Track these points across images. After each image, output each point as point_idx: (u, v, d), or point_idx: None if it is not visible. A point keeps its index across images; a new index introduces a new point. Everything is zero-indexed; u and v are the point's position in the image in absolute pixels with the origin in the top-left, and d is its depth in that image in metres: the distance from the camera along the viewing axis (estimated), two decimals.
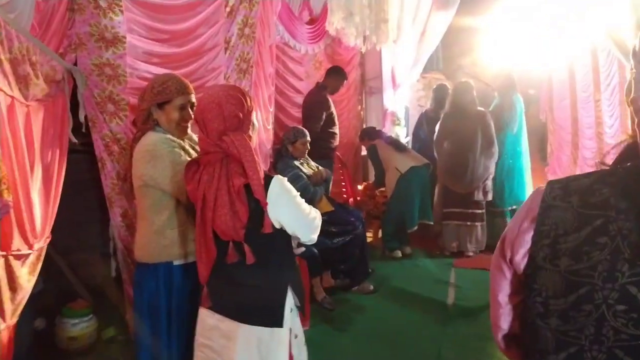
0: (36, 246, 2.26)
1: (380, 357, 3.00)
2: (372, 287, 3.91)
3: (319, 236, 1.88)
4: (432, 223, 4.65)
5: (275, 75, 4.21)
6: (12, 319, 2.09)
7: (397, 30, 3.96)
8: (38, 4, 2.26)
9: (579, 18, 6.26)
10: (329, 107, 4.59)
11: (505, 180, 4.80)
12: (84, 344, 2.94)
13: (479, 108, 4.58)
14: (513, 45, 6.99)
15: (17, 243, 2.12)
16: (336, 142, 4.66)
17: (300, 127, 3.83)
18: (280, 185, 1.77)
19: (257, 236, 1.71)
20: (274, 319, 1.78)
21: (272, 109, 4.09)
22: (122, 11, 2.68)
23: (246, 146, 1.71)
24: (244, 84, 3.62)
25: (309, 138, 3.75)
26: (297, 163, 3.74)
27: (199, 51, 3.27)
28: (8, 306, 2.05)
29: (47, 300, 2.96)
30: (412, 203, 4.49)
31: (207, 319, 1.82)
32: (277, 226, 1.75)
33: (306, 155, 3.82)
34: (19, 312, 2.13)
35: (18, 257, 2.14)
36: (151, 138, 2.06)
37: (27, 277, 2.19)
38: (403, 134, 5.58)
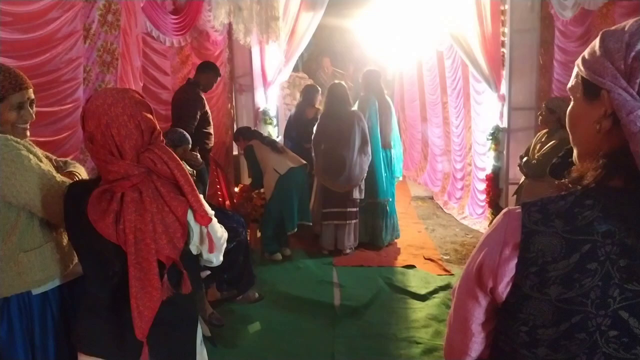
0: None
1: None
2: (257, 295, 3.76)
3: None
4: (311, 224, 4.65)
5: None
6: None
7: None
8: None
9: (426, 24, 6.88)
10: (203, 106, 4.28)
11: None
12: None
13: (354, 109, 4.68)
14: (371, 46, 7.39)
15: None
16: (211, 142, 4.38)
17: (184, 131, 3.48)
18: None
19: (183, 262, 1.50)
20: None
21: None
22: None
23: (175, 159, 1.47)
24: (108, 79, 3.17)
25: (190, 145, 3.43)
26: None
27: (52, 39, 2.75)
28: None
29: None
30: (292, 205, 4.44)
31: None
32: (196, 252, 1.56)
33: None
34: None
35: None
36: None
37: None
38: (275, 134, 5.49)
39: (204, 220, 1.49)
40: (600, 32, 0.92)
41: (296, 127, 5.22)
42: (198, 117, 4.22)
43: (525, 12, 4.52)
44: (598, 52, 0.89)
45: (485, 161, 5.57)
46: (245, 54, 5.28)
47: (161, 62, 4.64)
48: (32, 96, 1.74)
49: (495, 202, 4.85)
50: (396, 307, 3.67)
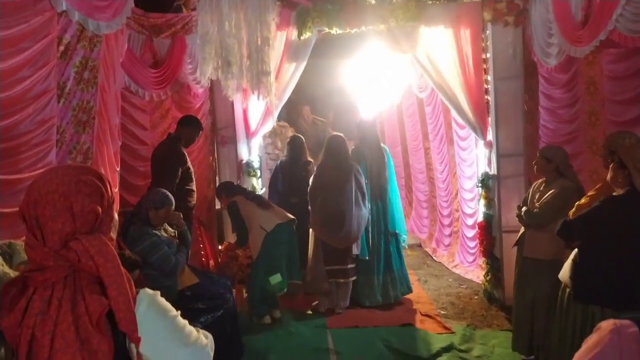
0: None
1: None
2: None
3: (183, 316, 1.41)
4: (300, 282, 4.39)
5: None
6: None
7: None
8: None
9: (405, 72, 6.93)
10: (185, 162, 4.08)
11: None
12: None
13: (352, 162, 4.56)
14: (350, 93, 7.37)
15: None
16: (194, 200, 4.16)
17: (166, 191, 3.25)
18: (149, 304, 1.25)
19: None
20: None
21: (118, 169, 3.44)
22: None
23: (108, 254, 1.19)
24: (84, 140, 2.96)
25: (173, 205, 3.20)
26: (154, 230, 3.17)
27: (23, 98, 2.55)
28: None
29: None
30: (281, 264, 4.18)
31: None
32: None
33: None
34: None
35: None
36: None
37: None
38: (259, 186, 5.29)
39: (132, 336, 1.16)
40: None
41: (284, 180, 5.03)
42: (179, 174, 4.01)
43: (507, 60, 4.54)
44: None
45: (473, 207, 5.47)
46: (227, 105, 5.14)
47: (140, 116, 4.48)
48: None
49: (489, 251, 4.70)
50: None
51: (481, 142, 4.74)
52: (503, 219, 4.56)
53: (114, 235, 1.31)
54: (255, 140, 5.23)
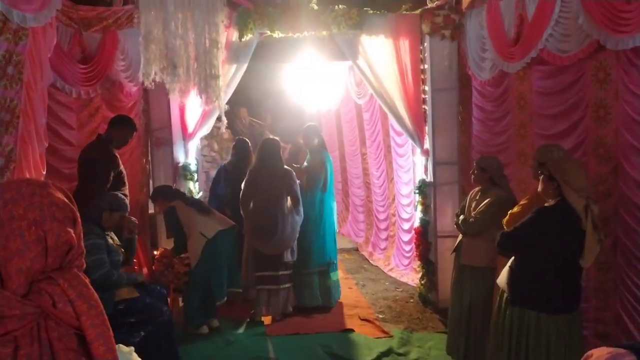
0: None
1: None
2: None
3: (116, 336, 1.31)
4: (240, 290, 4.29)
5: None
6: None
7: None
8: None
9: (343, 79, 7.02)
10: (117, 165, 3.85)
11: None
12: None
13: (285, 166, 4.50)
14: (288, 96, 7.34)
15: None
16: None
17: (122, 195, 3.12)
18: None
19: None
20: None
21: (44, 172, 3.18)
22: None
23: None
24: (7, 140, 2.70)
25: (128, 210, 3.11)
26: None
27: None
28: None
29: None
30: (221, 271, 4.05)
31: None
32: None
33: None
34: None
35: None
36: None
37: None
38: (196, 190, 5.10)
39: None
40: None
41: (227, 185, 4.87)
42: (111, 178, 3.78)
43: (444, 72, 4.71)
44: None
45: (410, 212, 5.64)
46: (162, 106, 4.92)
47: (66, 115, 4.17)
48: None
49: (425, 255, 4.85)
50: None
51: (418, 150, 4.89)
52: (438, 225, 4.73)
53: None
54: (192, 142, 5.06)
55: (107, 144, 3.84)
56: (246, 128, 8.25)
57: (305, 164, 4.89)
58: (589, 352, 0.90)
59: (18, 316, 0.92)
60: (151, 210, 5.16)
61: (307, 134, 4.89)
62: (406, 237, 5.75)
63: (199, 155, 6.76)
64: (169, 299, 3.83)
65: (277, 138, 4.74)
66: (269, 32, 4.66)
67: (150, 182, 5.10)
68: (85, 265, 1.08)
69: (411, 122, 4.78)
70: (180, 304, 4.29)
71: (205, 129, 5.07)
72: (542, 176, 2.63)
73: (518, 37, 3.66)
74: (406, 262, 5.76)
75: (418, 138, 4.82)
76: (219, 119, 5.29)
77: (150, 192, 4.68)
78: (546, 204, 2.56)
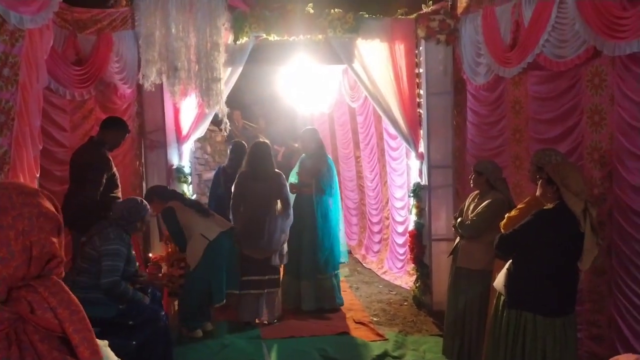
0: None
1: None
2: None
3: (114, 339, 1.31)
4: (238, 292, 4.24)
5: None
6: None
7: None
8: None
9: (337, 82, 7.03)
10: (110, 168, 3.81)
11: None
12: None
13: (276, 170, 4.49)
14: (282, 99, 7.33)
15: None
16: None
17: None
18: None
19: None
20: None
21: (38, 175, 3.14)
22: None
23: (71, 304, 0.97)
24: (1, 143, 2.66)
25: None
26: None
27: None
28: None
29: None
30: (221, 274, 4.00)
31: None
32: None
33: None
34: None
35: None
36: None
37: None
38: (189, 193, 5.07)
39: None
40: None
41: (226, 187, 4.82)
42: (104, 181, 3.74)
43: (439, 76, 4.74)
44: None
45: (404, 215, 5.65)
46: (157, 108, 4.88)
47: (59, 117, 4.12)
48: None
49: (419, 258, 4.87)
50: None
51: (413, 153, 4.91)
52: (433, 228, 4.75)
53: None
54: (186, 145, 5.02)
55: (100, 146, 3.79)
56: (240, 131, 8.21)
57: (296, 168, 4.89)
58: (614, 358, 0.90)
59: None
60: None
61: (305, 137, 4.88)
62: (400, 240, 5.77)
63: (192, 158, 6.74)
64: (163, 303, 3.79)
65: (267, 141, 4.73)
66: (264, 35, 4.66)
67: (144, 184, 5.04)
68: (63, 274, 1.07)
69: (406, 126, 4.80)
70: (175, 308, 4.25)
71: (200, 132, 5.05)
72: (540, 180, 2.65)
73: (514, 42, 3.70)
74: (400, 264, 5.78)
75: (413, 142, 4.83)
76: (212, 122, 5.30)
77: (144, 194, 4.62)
78: (545, 207, 2.58)
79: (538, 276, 2.53)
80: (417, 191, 4.89)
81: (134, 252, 3.31)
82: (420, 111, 4.84)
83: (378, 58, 4.75)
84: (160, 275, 4.16)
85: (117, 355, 2.02)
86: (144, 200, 3.46)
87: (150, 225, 5.02)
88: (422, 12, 4.73)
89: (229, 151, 5.21)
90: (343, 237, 5.28)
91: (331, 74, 6.70)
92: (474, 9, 4.26)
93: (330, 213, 4.80)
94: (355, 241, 7.28)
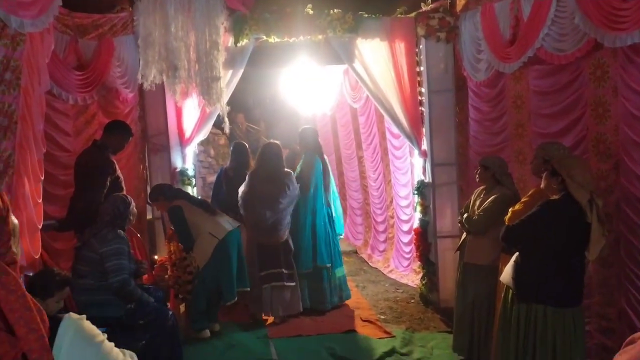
0: None
1: None
2: None
3: (123, 338, 1.34)
4: (248, 289, 4.23)
5: None
6: None
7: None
8: None
9: (339, 83, 7.03)
10: (114, 170, 3.83)
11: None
12: None
13: (286, 169, 4.53)
14: (284, 102, 7.34)
15: None
16: None
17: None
18: (76, 332, 1.16)
19: None
20: None
21: (42, 178, 3.15)
22: None
23: (9, 284, 1.04)
24: (5, 146, 2.67)
25: None
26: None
27: None
28: None
29: None
30: (231, 272, 4.00)
31: None
32: None
33: None
34: None
35: None
36: None
37: None
38: (195, 195, 5.07)
39: None
40: None
41: (228, 189, 4.83)
42: (108, 183, 3.75)
43: (440, 74, 4.74)
44: None
45: (409, 214, 5.64)
46: (159, 112, 4.90)
47: (62, 121, 4.15)
48: None
49: (425, 256, 4.85)
50: None
51: (416, 152, 4.90)
52: (438, 225, 4.74)
53: (15, 247, 1.14)
54: (189, 147, 5.03)
55: (104, 150, 3.82)
56: (243, 133, 8.23)
57: (298, 168, 4.90)
58: (636, 335, 0.89)
59: None
60: (149, 216, 5.13)
61: (303, 136, 4.91)
62: (405, 239, 5.76)
63: (196, 161, 6.75)
64: (168, 304, 3.80)
65: (278, 142, 4.75)
66: (264, 37, 4.67)
67: (148, 188, 5.06)
68: (14, 262, 1.10)
69: (408, 124, 4.80)
70: (181, 310, 4.25)
71: (203, 134, 5.06)
72: (545, 172, 2.64)
73: (514, 37, 3.70)
74: (406, 263, 5.76)
75: (416, 140, 4.83)
76: (215, 125, 5.31)
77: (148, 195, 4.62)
78: (551, 198, 2.57)
79: (546, 268, 2.52)
80: (422, 189, 4.88)
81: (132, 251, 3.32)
82: (422, 109, 4.84)
83: (378, 57, 4.75)
84: (167, 277, 4.16)
85: None
86: (125, 194, 3.54)
87: (155, 228, 5.07)
88: (421, 10, 4.73)
89: (230, 152, 5.21)
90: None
91: (332, 75, 6.70)
92: (473, 5, 4.26)
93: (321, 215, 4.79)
94: (361, 241, 7.28)
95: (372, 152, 6.66)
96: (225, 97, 4.82)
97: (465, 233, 3.48)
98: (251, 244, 4.47)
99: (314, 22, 4.63)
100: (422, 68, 4.80)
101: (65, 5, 3.63)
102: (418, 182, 4.94)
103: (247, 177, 4.49)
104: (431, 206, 4.78)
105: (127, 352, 1.38)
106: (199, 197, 4.73)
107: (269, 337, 4.10)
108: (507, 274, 2.71)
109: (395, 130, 5.15)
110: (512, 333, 2.62)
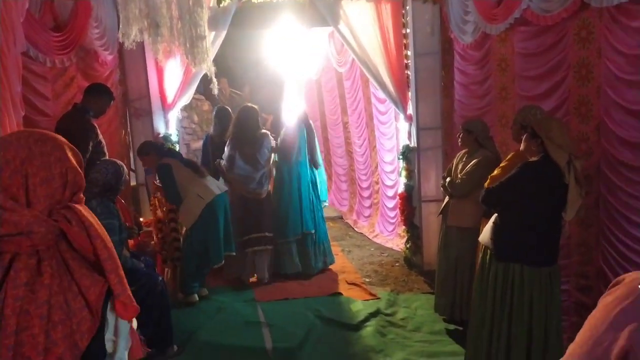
0: None
1: None
2: (175, 348, 3.33)
3: None
4: (234, 254, 4.26)
5: None
6: None
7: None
8: None
9: (324, 46, 6.92)
10: (96, 135, 3.75)
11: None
12: None
13: (263, 130, 4.56)
14: (268, 67, 7.22)
15: None
16: None
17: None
18: None
19: None
20: None
21: None
22: None
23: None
24: None
25: None
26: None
27: None
28: None
29: None
30: (218, 235, 4.02)
31: None
32: (111, 349, 1.21)
33: None
34: None
35: None
36: None
37: None
38: None
39: (128, 312, 1.18)
40: None
41: (214, 155, 4.80)
42: (90, 148, 3.69)
43: (426, 37, 4.68)
44: None
45: (393, 179, 5.68)
46: (140, 75, 4.80)
47: (40, 85, 4.01)
48: None
49: (410, 220, 4.92)
50: (331, 342, 3.48)
51: (402, 116, 4.89)
52: (422, 189, 4.79)
53: None
54: (172, 112, 4.96)
55: (84, 113, 3.73)
56: (227, 99, 8.11)
57: (281, 134, 4.87)
58: (621, 277, 0.90)
59: (42, 233, 1.10)
60: (133, 182, 5.09)
61: (220, 116, 4.93)
62: (390, 204, 5.81)
63: (180, 127, 6.67)
64: (157, 270, 3.81)
65: (255, 106, 4.70)
66: None
67: (130, 153, 5.00)
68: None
69: (394, 88, 4.77)
70: (168, 274, 4.27)
71: (185, 99, 4.98)
72: (525, 135, 2.66)
73: None
74: (391, 228, 5.84)
75: (401, 104, 4.81)
76: (198, 91, 5.22)
77: (137, 149, 4.50)
78: (530, 160, 2.60)
79: (524, 228, 2.57)
80: (407, 154, 4.90)
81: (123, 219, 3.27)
82: (408, 73, 4.81)
83: (364, 19, 4.68)
84: (153, 242, 4.16)
85: None
86: (117, 160, 3.35)
87: (140, 194, 5.03)
88: None
89: (213, 117, 5.16)
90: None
91: (318, 38, 6.59)
92: None
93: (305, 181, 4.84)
94: (346, 207, 7.33)
95: (358, 118, 6.64)
96: (211, 55, 4.73)
97: (447, 196, 3.52)
98: (235, 205, 4.48)
99: None
100: (408, 30, 4.74)
101: None
102: (403, 146, 4.95)
103: (227, 143, 4.49)
104: (416, 170, 4.81)
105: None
106: (189, 158, 4.71)
107: (257, 300, 4.16)
108: (485, 234, 2.76)
109: (381, 94, 5.12)
110: (489, 292, 2.68)
